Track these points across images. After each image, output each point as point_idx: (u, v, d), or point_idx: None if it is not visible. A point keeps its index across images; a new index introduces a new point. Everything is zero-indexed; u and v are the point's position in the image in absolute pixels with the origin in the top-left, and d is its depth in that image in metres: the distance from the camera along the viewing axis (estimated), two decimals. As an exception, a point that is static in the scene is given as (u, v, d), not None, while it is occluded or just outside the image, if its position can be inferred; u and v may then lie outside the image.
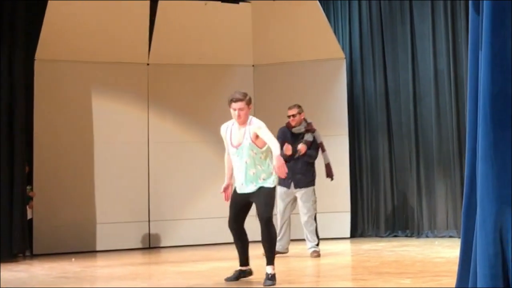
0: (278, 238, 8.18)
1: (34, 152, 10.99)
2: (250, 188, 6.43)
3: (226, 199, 6.70)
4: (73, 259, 9.69)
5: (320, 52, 12.02)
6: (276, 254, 8.09)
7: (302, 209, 8.91)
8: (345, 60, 12.14)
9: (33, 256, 10.62)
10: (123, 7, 11.56)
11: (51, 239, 10.88)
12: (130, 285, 6.56)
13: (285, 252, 8.92)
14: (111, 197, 11.27)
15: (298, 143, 8.92)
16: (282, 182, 8.65)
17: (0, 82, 10.55)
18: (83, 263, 9.14)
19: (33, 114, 11.06)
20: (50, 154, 11.07)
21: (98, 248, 11.10)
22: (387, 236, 11.69)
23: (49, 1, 11.04)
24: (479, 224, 2.47)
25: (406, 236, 11.54)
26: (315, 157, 9.05)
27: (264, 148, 6.43)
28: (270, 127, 12.02)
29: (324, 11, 12.22)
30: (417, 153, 11.59)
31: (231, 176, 6.71)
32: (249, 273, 6.67)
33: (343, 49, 12.25)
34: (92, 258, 10.04)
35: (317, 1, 12.09)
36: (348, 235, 11.72)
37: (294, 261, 8.55)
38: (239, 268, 6.66)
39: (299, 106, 9.13)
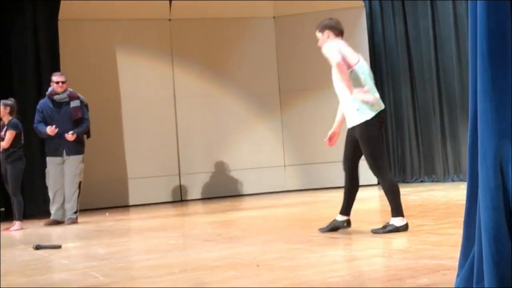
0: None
1: (63, 111, 11.21)
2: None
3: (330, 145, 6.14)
4: (107, 214, 9.96)
5: (339, 1, 12.00)
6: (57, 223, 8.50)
7: None
8: (364, 8, 12.11)
9: (68, 212, 10.91)
10: (143, -37, 11.63)
11: (85, 195, 11.13)
12: (161, 236, 6.77)
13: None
14: (141, 153, 11.50)
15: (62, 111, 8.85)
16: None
17: (26, 43, 10.78)
18: (116, 217, 9.39)
19: (60, 74, 11.24)
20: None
21: (130, 203, 11.39)
22: (413, 182, 11.80)
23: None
24: (480, 159, 2.56)
25: (432, 181, 11.65)
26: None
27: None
28: (296, 79, 12.13)
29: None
30: (440, 99, 11.60)
31: (340, 122, 6.03)
32: (347, 223, 5.88)
33: (362, -3, 12.25)
34: (125, 212, 10.31)
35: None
36: (376, 181, 11.81)
37: (321, 207, 8.71)
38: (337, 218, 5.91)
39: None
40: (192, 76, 11.98)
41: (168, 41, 11.97)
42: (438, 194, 9.24)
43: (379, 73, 12.29)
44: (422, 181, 11.79)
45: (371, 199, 9.62)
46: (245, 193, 11.56)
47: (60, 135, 8.67)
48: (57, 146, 8.75)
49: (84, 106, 8.95)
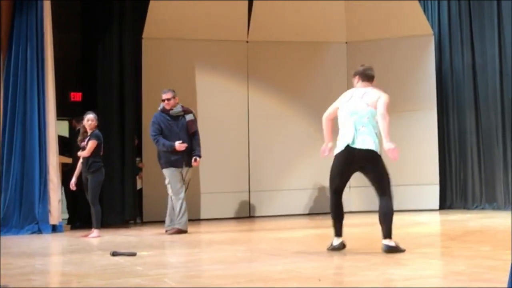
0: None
1: (143, 126, 11.71)
2: None
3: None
4: (179, 226, 10.32)
5: (409, 28, 12.26)
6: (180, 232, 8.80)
7: None
8: (433, 37, 12.29)
9: (143, 223, 11.40)
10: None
11: (159, 207, 11.58)
12: (229, 249, 7.09)
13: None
14: (214, 169, 11.86)
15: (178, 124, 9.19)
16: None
17: (111, 60, 11.35)
18: (189, 229, 9.73)
19: (142, 89, 11.76)
20: (157, 128, 11.73)
21: (202, 217, 11.76)
22: (474, 209, 11.84)
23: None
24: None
25: (493, 209, 11.65)
26: None
27: None
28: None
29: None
30: (503, 128, 11.65)
31: None
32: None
33: (431, 25, 12.39)
34: (196, 225, 10.67)
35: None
36: (437, 207, 11.95)
37: (376, 230, 8.89)
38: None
39: (173, 91, 9.37)
40: (266, 97, 12.33)
41: (245, 62, 12.38)
42: (498, 222, 9.30)
43: (445, 99, 12.42)
44: (483, 209, 11.81)
45: (431, 223, 9.78)
46: (312, 212, 11.79)
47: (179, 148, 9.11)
48: (178, 158, 9.17)
49: (195, 119, 9.42)
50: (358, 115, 6.28)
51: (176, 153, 9.13)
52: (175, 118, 9.27)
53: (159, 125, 9.21)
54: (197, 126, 9.36)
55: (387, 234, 6.06)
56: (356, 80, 6.58)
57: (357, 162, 6.25)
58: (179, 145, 9.06)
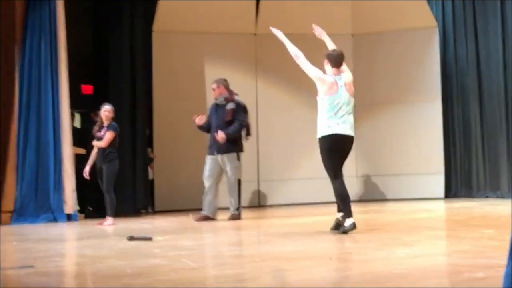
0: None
1: (154, 117, 11.95)
2: None
3: None
4: (189, 214, 10.54)
5: (414, 20, 12.44)
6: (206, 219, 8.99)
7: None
8: (437, 28, 12.50)
9: (155, 212, 11.63)
10: (232, -21, 12.29)
11: (170, 197, 11.84)
12: (242, 234, 7.33)
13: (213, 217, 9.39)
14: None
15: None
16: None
17: (122, 53, 11.58)
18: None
19: (152, 81, 11.98)
20: (168, 119, 11.97)
21: (212, 206, 11.96)
22: (479, 197, 12.05)
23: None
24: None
25: (497, 197, 11.84)
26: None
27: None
28: (372, 94, 12.64)
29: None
30: (507, 117, 11.83)
31: None
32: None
33: (435, 17, 12.60)
34: (206, 214, 10.87)
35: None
36: (442, 195, 12.18)
37: (389, 215, 9.13)
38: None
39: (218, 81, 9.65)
40: (274, 88, 12.53)
41: (253, 54, 12.60)
42: (502, 208, 9.50)
43: (449, 91, 12.60)
44: (487, 197, 12.00)
45: (437, 210, 10.01)
46: (320, 201, 11.99)
47: (213, 135, 9.39)
48: (211, 144, 9.48)
49: (239, 108, 9.55)
50: (346, 105, 6.78)
51: (211, 139, 9.40)
52: (221, 107, 9.50)
53: (209, 113, 9.61)
54: (238, 115, 9.45)
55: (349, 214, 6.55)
56: (326, 63, 7.20)
57: (346, 147, 6.82)
58: (197, 118, 9.39)
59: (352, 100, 6.89)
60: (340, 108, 6.75)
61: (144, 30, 11.86)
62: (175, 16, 12.13)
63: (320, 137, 6.80)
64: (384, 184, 12.48)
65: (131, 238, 6.71)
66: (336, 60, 7.05)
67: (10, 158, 10.11)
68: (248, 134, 9.72)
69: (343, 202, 6.66)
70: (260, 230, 8.00)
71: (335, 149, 6.74)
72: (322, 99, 6.84)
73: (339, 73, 6.97)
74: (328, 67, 7.08)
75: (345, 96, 6.80)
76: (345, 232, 6.45)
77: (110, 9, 11.67)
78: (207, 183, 9.45)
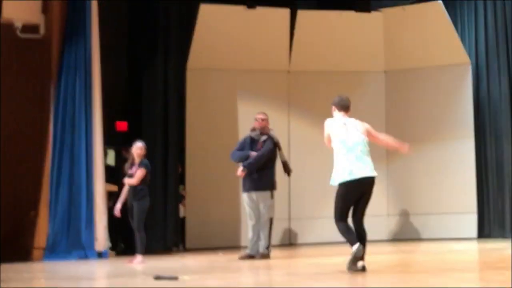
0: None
1: (186, 154, 12.02)
2: None
3: None
4: (220, 253, 10.49)
5: (447, 57, 12.37)
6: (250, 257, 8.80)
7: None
8: (470, 65, 12.36)
9: (185, 250, 11.60)
10: (265, 17, 12.38)
11: (201, 234, 11.82)
12: (268, 273, 7.25)
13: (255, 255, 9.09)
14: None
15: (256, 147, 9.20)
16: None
17: (156, 90, 11.69)
18: (229, 256, 9.90)
19: (185, 119, 12.05)
20: (200, 156, 12.02)
21: (242, 244, 11.89)
22: (512, 237, 11.79)
23: (199, 17, 11.96)
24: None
25: (531, 237, 11.57)
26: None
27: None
28: (404, 131, 12.53)
29: (450, 14, 12.45)
30: (541, 157, 11.64)
31: None
32: None
33: (468, 54, 12.49)
34: (237, 252, 10.79)
35: (441, 4, 12.27)
36: (475, 235, 11.94)
37: (419, 256, 8.96)
38: None
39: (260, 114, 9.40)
40: (306, 126, 12.49)
41: (286, 91, 12.62)
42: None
43: (482, 128, 12.45)
44: (520, 237, 11.76)
45: (468, 251, 9.83)
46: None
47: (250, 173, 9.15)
48: (244, 182, 9.27)
49: (268, 141, 9.24)
50: (361, 145, 6.76)
51: (244, 177, 9.21)
52: (253, 140, 9.30)
53: (242, 145, 9.38)
54: (266, 147, 9.16)
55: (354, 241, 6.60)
56: (334, 109, 7.20)
57: (364, 189, 6.77)
58: (239, 171, 9.16)
59: (366, 140, 6.82)
60: (356, 148, 6.71)
61: (178, 66, 11.98)
62: (209, 53, 12.23)
63: (340, 183, 6.84)
64: (415, 223, 12.29)
65: (158, 278, 6.69)
66: (340, 104, 7.13)
67: (43, 194, 10.24)
68: (286, 171, 9.51)
69: (347, 234, 6.84)
70: (288, 270, 7.91)
71: (353, 193, 6.78)
72: (335, 142, 6.97)
73: (347, 116, 7.02)
74: (335, 112, 7.15)
75: (358, 137, 6.78)
76: (357, 256, 6.48)
77: (144, 45, 11.81)
78: (250, 222, 9.25)
